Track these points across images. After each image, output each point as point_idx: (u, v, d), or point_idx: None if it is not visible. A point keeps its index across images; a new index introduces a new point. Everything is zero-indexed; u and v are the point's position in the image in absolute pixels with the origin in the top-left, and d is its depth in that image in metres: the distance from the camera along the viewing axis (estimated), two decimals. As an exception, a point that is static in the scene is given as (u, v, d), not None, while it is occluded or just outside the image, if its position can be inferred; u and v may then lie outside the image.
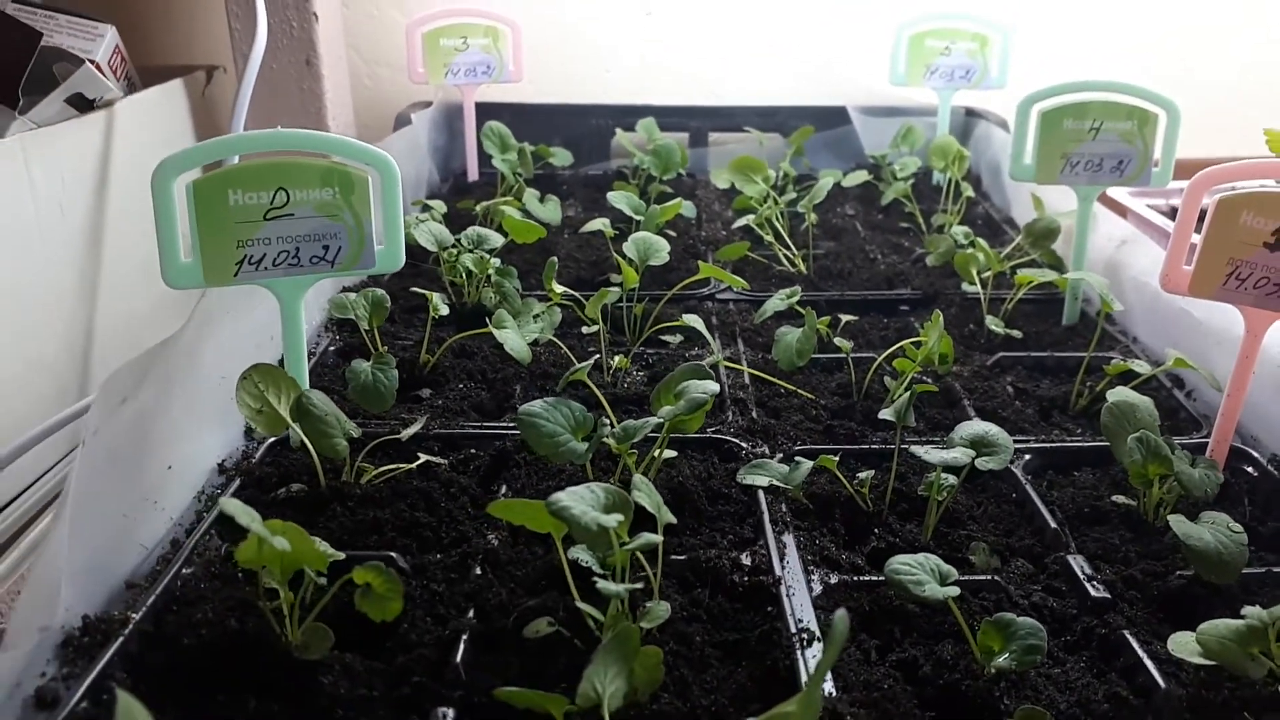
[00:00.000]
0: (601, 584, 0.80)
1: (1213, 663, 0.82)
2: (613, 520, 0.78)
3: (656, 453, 1.06)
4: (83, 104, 1.60)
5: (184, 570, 0.94)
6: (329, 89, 2.00)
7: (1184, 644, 0.84)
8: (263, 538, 0.76)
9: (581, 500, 0.79)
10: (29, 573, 0.77)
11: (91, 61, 1.63)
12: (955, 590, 0.84)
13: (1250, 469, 1.15)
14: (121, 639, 0.83)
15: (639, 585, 0.83)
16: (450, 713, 0.78)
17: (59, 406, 1.35)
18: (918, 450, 1.01)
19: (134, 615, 0.86)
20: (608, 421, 1.03)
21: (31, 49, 1.55)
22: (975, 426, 1.05)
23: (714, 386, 1.00)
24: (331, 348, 1.42)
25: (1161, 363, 1.34)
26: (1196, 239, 1.10)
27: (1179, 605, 0.95)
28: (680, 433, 1.06)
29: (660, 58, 2.38)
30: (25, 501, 1.30)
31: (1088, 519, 1.08)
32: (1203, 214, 1.10)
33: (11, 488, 1.29)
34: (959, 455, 0.98)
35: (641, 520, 0.85)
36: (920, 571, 0.85)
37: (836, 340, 1.35)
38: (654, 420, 1.01)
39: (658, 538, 0.83)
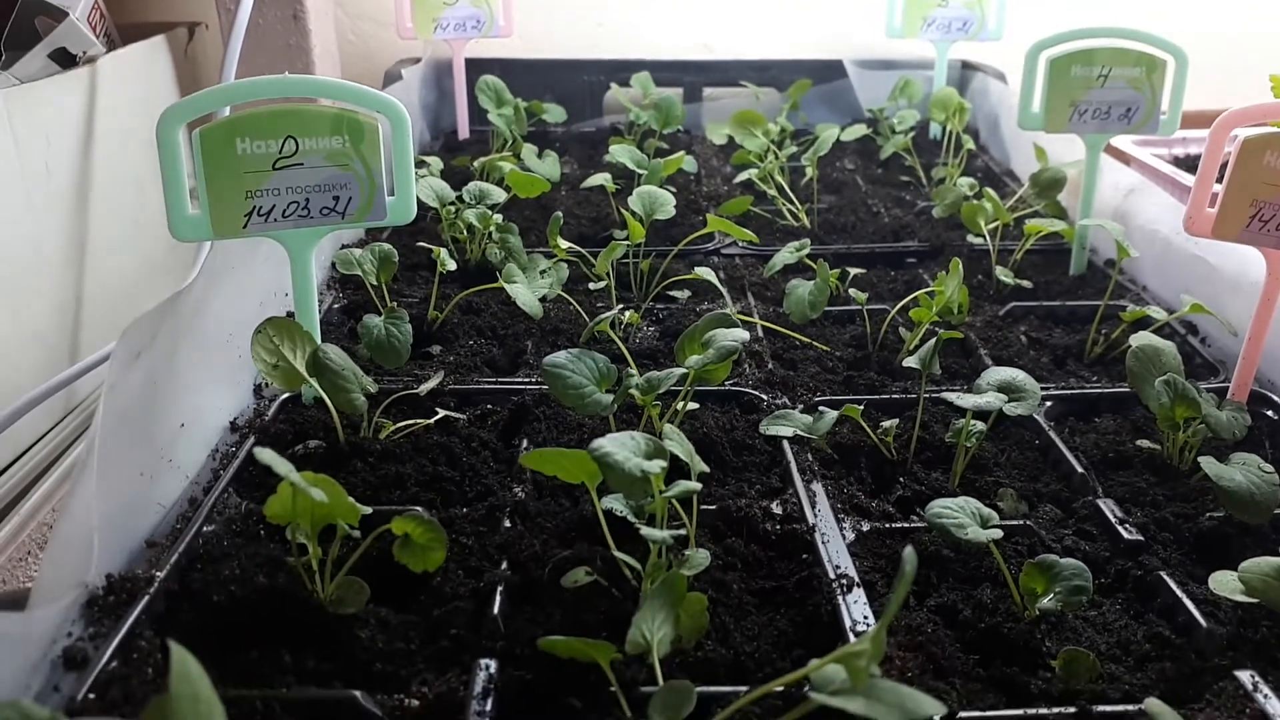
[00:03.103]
0: (645, 531, 0.78)
1: (1253, 600, 0.82)
2: (655, 466, 0.77)
3: (680, 404, 1.05)
4: (66, 59, 1.54)
5: (205, 528, 0.91)
6: (316, 44, 1.95)
7: (1225, 582, 0.84)
8: (298, 488, 0.73)
9: (623, 447, 0.78)
10: (55, 528, 0.74)
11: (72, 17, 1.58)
12: (998, 533, 0.83)
13: (1270, 412, 1.15)
14: (148, 597, 0.81)
15: (682, 531, 0.81)
16: (492, 664, 0.77)
17: (49, 373, 1.31)
18: (950, 396, 1.00)
19: (158, 574, 0.83)
20: (632, 373, 1.01)
21: (12, 2, 1.50)
22: (1002, 373, 1.04)
23: (744, 334, 0.98)
24: (336, 305, 1.39)
25: (1173, 310, 1.33)
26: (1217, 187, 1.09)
27: (1211, 546, 0.95)
28: (706, 383, 1.04)
29: (653, 11, 2.34)
30: (19, 470, 1.26)
31: (1112, 464, 1.08)
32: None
33: (3, 457, 1.25)
34: (992, 400, 0.97)
35: (672, 471, 0.83)
36: (961, 515, 0.84)
37: (851, 291, 1.33)
38: (679, 371, 1.00)
39: (696, 484, 0.81)
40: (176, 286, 1.04)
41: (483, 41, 2.04)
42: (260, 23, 1.89)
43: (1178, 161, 1.79)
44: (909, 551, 0.57)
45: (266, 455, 0.71)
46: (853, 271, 1.44)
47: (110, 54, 1.62)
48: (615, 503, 0.87)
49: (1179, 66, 1.45)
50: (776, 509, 0.97)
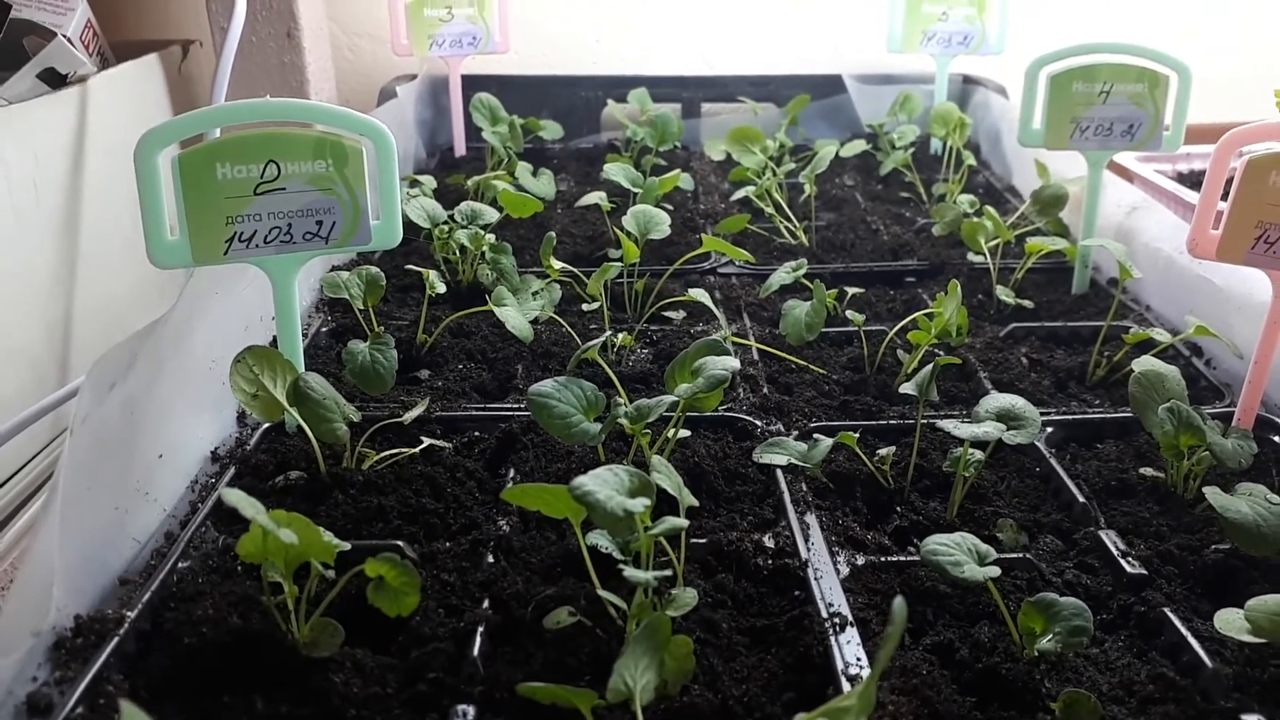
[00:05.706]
0: (628, 572, 0.75)
1: (1260, 640, 0.79)
2: (639, 505, 0.74)
3: (671, 432, 1.02)
4: (55, 79, 1.53)
5: (180, 564, 0.89)
6: (311, 62, 1.93)
7: (1230, 621, 0.81)
8: (267, 530, 0.71)
9: (605, 484, 0.75)
10: (18, 571, 0.72)
11: (63, 36, 1.57)
12: (996, 570, 0.80)
13: (1277, 438, 1.12)
14: (117, 639, 0.79)
15: (667, 572, 0.79)
16: (470, 710, 0.74)
17: (38, 395, 1.29)
18: (946, 425, 0.97)
19: (129, 613, 0.81)
20: (620, 401, 0.98)
21: (0, 21, 1.49)
22: (1000, 400, 1.01)
23: (734, 363, 0.96)
24: (324, 329, 1.37)
25: (1177, 331, 1.31)
26: (1222, 206, 1.06)
27: (1217, 580, 0.92)
28: (696, 411, 1.02)
29: (651, 25, 2.32)
30: (5, 495, 1.24)
31: (1114, 492, 1.05)
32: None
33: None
34: (990, 430, 0.94)
35: (660, 503, 0.81)
36: (958, 552, 0.81)
37: (848, 313, 1.31)
38: (669, 399, 0.97)
39: (683, 521, 0.79)
40: (169, 306, 1.02)
41: (479, 58, 2.02)
42: (254, 40, 1.88)
43: (1182, 178, 1.77)
44: (898, 604, 0.55)
45: (233, 497, 0.69)
46: (850, 291, 1.42)
47: (101, 73, 1.60)
48: (601, 538, 0.84)
49: (1182, 82, 1.42)
50: (769, 542, 0.94)
